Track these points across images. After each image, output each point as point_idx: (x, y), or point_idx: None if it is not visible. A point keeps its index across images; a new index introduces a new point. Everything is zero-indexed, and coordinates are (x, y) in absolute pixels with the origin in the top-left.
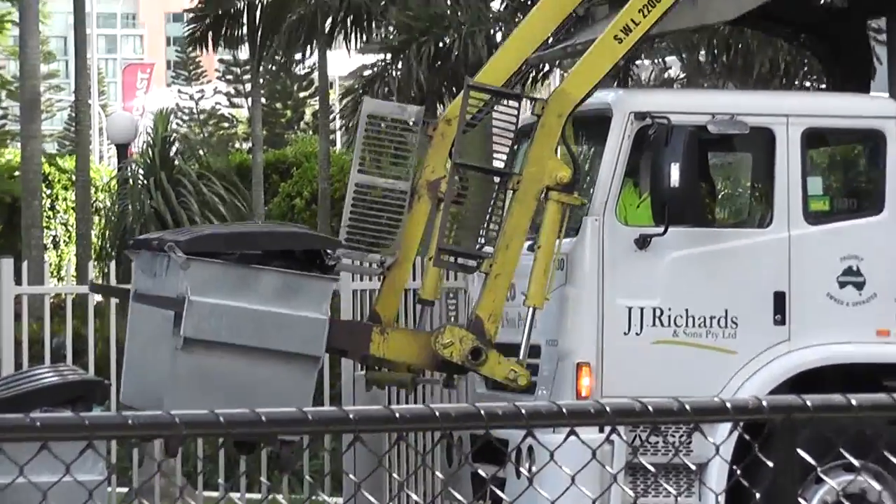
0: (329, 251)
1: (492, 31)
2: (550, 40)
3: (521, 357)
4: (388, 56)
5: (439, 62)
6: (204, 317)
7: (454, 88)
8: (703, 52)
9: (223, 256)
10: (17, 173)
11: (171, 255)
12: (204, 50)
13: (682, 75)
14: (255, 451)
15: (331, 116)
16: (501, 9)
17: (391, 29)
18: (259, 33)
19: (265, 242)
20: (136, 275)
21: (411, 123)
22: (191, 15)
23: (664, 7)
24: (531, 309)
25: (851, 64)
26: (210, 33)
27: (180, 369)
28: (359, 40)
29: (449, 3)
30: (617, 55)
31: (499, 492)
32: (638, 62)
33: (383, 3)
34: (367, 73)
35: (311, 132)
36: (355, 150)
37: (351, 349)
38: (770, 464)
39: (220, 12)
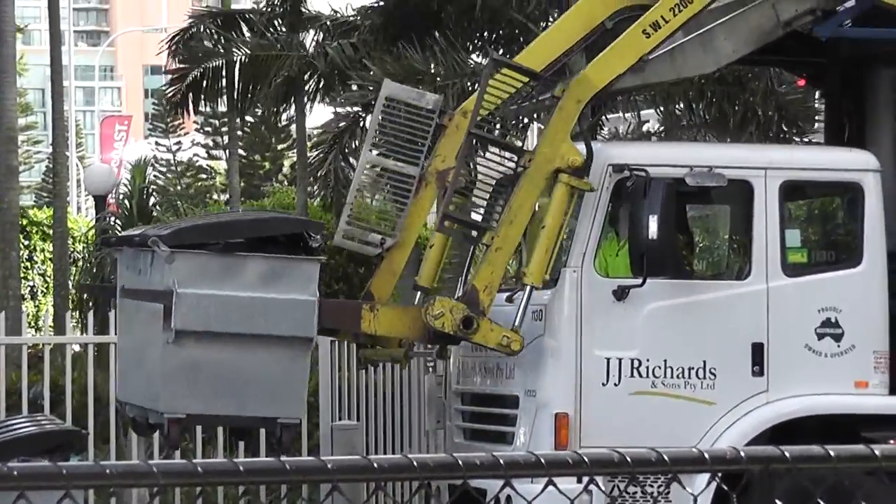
0: (312, 234)
1: (467, 84)
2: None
3: (515, 324)
4: (360, 108)
5: None
6: (193, 308)
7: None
8: (679, 104)
9: (207, 247)
10: None
11: (155, 249)
12: (184, 112)
13: (659, 128)
14: (254, 437)
15: (309, 168)
16: (479, 61)
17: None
18: (238, 89)
19: (248, 230)
20: (121, 271)
21: (428, 111)
22: (170, 77)
23: (695, 9)
24: (529, 287)
25: (830, 113)
26: (190, 94)
27: (172, 363)
28: (331, 94)
29: (423, 56)
30: (643, 49)
31: None
32: (614, 115)
33: (362, 59)
34: (341, 124)
35: (288, 184)
36: (369, 130)
37: (342, 328)
38: None
39: (199, 73)
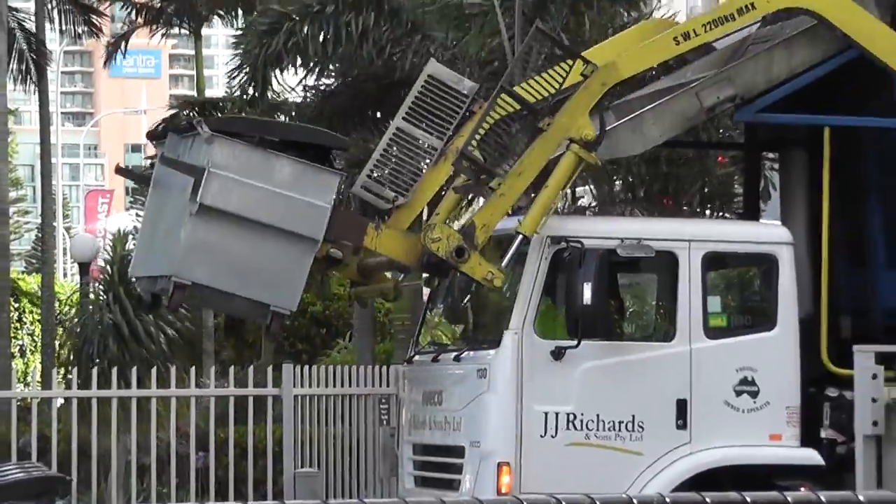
0: (341, 149)
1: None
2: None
3: (503, 265)
4: None
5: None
6: (220, 188)
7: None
8: (613, 182)
9: (245, 138)
10: None
11: (198, 128)
12: None
13: (593, 203)
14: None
15: None
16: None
17: None
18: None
19: (281, 131)
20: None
21: (463, 95)
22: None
23: (726, 30)
24: (520, 236)
25: (748, 189)
26: None
27: (191, 232)
28: None
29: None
30: (670, 53)
31: None
32: None
33: None
34: None
35: None
36: (406, 100)
37: (347, 240)
38: None
39: None
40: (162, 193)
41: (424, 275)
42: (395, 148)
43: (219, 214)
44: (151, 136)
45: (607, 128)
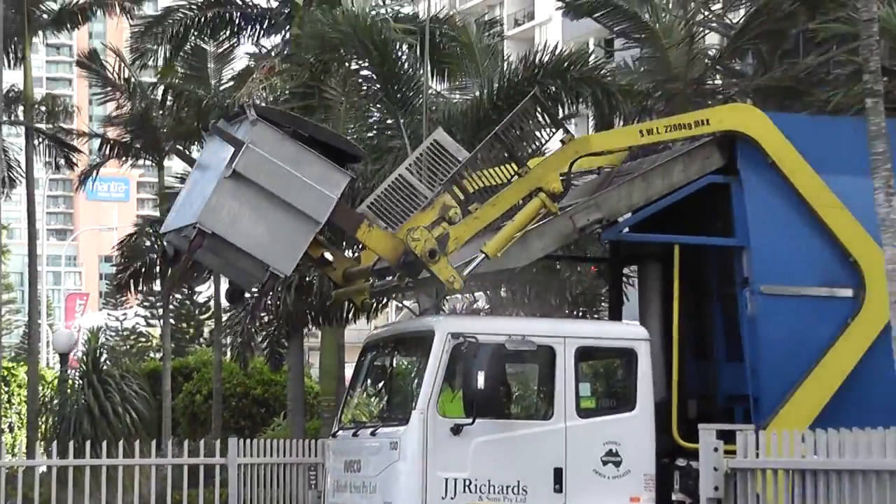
0: (356, 159)
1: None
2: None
3: (465, 273)
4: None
5: (303, 293)
6: (252, 161)
7: (311, 312)
8: (503, 289)
9: (282, 128)
10: None
11: (247, 111)
12: (128, 291)
13: (486, 306)
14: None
15: (223, 334)
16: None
17: None
18: (167, 276)
19: (314, 131)
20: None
21: (457, 160)
22: (117, 268)
23: (682, 135)
24: (483, 255)
25: (612, 295)
26: (131, 280)
27: (221, 192)
28: None
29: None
30: (633, 141)
31: None
32: (451, 297)
33: None
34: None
35: (207, 346)
36: (410, 156)
37: (342, 227)
38: None
39: (138, 264)
40: (202, 171)
41: (394, 279)
42: (394, 191)
43: (246, 182)
44: (205, 128)
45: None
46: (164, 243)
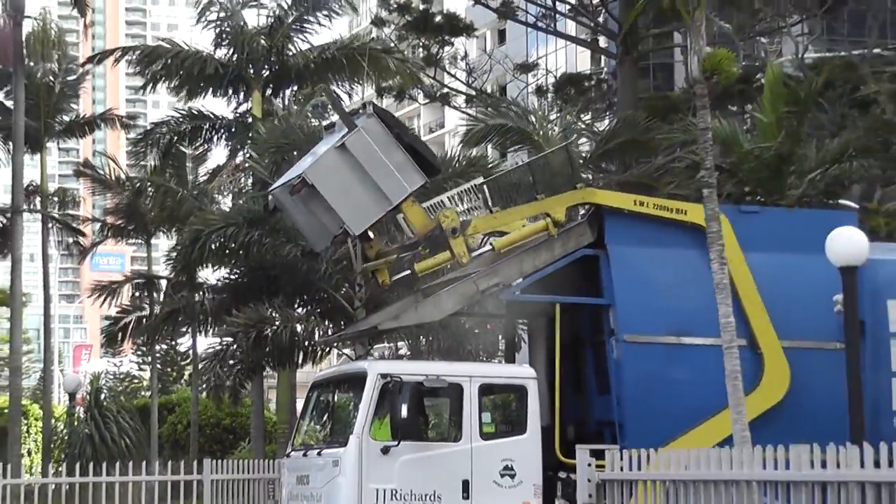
0: (435, 172)
1: (297, 326)
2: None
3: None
4: (230, 339)
5: (262, 343)
6: (359, 141)
7: (271, 360)
8: (420, 339)
9: (389, 127)
10: (5, 411)
11: (368, 108)
12: (120, 342)
13: (408, 352)
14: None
15: (199, 376)
16: (301, 313)
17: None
18: (153, 330)
19: (412, 139)
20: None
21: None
22: (108, 322)
23: (659, 213)
24: (491, 247)
25: (507, 342)
26: (120, 333)
27: (328, 157)
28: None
29: (268, 306)
30: (627, 205)
31: None
32: (379, 345)
33: (229, 309)
34: (218, 348)
35: (186, 385)
36: (452, 191)
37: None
38: None
39: (132, 320)
40: (313, 155)
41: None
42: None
43: (349, 156)
44: (328, 127)
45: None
46: (269, 197)
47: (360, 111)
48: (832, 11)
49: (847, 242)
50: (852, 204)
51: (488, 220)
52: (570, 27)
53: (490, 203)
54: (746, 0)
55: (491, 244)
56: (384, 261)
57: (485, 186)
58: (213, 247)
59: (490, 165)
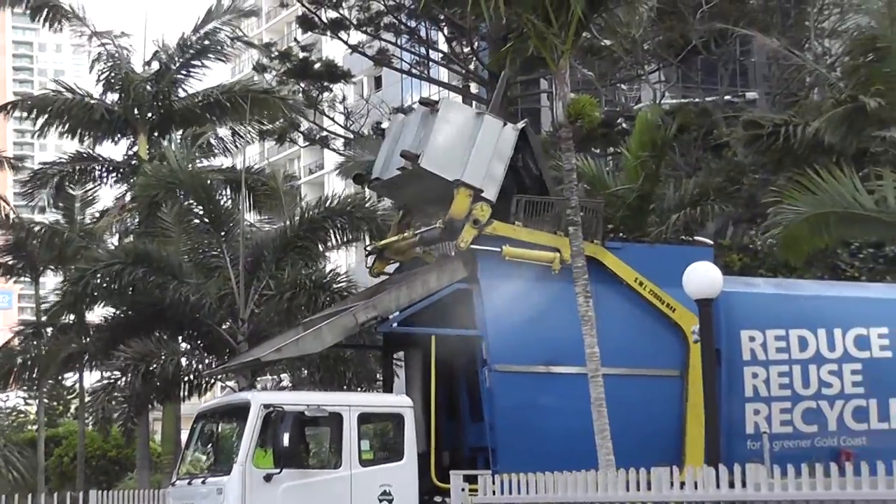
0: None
1: (182, 360)
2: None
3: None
4: (118, 373)
5: (148, 376)
6: (489, 128)
7: (157, 393)
8: (302, 370)
9: (519, 153)
10: None
11: (524, 121)
12: (4, 385)
13: (291, 382)
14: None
15: (86, 410)
16: (186, 346)
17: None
18: (37, 368)
19: (536, 170)
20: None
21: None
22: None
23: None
24: (500, 251)
25: (385, 372)
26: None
27: (460, 114)
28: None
29: (154, 342)
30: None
31: None
32: (263, 378)
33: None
34: (104, 381)
35: (73, 419)
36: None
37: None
38: None
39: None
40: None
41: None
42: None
43: (475, 128)
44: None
45: (299, 335)
46: (369, 187)
47: (517, 119)
48: (686, 61)
49: (703, 276)
50: (708, 240)
51: (508, 228)
52: (443, 74)
53: (516, 215)
54: (607, 49)
55: (501, 249)
56: (392, 240)
57: (517, 199)
58: (102, 284)
59: (363, 201)
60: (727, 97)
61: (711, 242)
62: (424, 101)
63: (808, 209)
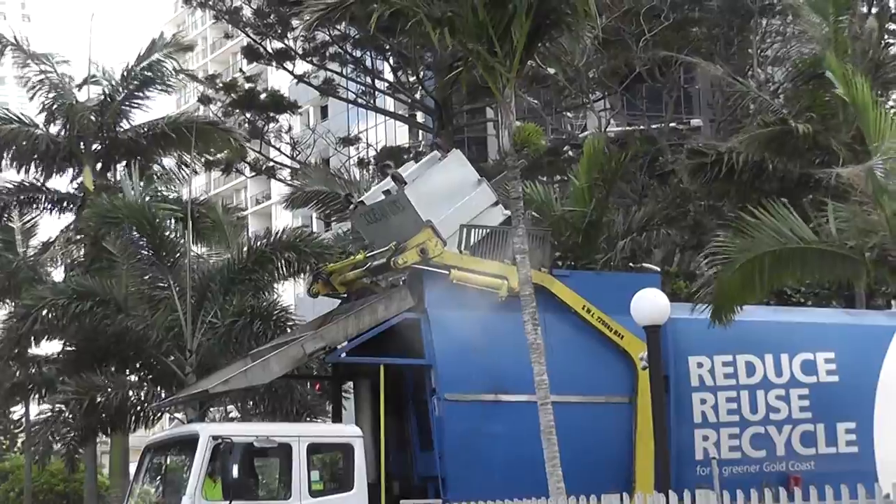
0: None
1: (129, 392)
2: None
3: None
4: (63, 406)
5: (94, 409)
6: (468, 186)
7: (103, 426)
8: (251, 400)
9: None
10: None
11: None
12: None
13: (239, 415)
14: None
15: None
16: (133, 379)
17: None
18: None
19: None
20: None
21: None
22: None
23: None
24: (448, 273)
25: (333, 406)
26: None
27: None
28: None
29: (101, 374)
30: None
31: None
32: (213, 409)
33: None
34: (50, 414)
35: (20, 454)
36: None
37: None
38: None
39: None
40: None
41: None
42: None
43: (449, 175)
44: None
45: (248, 366)
46: (350, 214)
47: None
48: (631, 89)
49: (651, 303)
50: (655, 267)
51: (455, 256)
52: (389, 103)
53: (465, 245)
54: (552, 78)
55: (449, 270)
56: (350, 262)
57: (465, 229)
58: (48, 317)
59: (310, 235)
60: (672, 124)
61: (658, 269)
62: (395, 176)
63: (740, 255)
